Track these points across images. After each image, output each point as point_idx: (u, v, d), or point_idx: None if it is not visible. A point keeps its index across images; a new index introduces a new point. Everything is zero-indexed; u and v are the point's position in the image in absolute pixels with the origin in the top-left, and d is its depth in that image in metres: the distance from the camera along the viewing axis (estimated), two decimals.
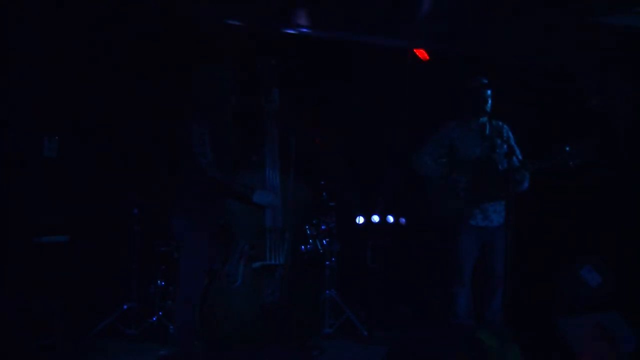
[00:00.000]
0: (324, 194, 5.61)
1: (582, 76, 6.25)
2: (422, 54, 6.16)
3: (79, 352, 4.72)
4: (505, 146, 4.47)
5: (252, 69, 4.20)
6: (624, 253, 5.60)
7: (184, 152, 3.99)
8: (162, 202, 4.73)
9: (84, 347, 4.81)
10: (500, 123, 4.65)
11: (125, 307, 5.10)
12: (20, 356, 4.22)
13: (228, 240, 4.08)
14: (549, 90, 6.26)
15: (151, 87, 5.55)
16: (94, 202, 5.40)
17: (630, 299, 5.14)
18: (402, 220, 6.74)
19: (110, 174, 5.52)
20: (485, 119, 4.58)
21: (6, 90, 4.92)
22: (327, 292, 5.41)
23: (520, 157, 4.41)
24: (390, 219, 6.71)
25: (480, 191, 4.45)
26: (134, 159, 5.56)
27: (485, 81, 4.52)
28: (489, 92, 4.52)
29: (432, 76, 6.34)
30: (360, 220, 6.67)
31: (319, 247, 5.33)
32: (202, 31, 5.38)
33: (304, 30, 5.48)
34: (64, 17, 5.09)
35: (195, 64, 4.18)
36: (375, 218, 6.68)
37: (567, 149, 4.18)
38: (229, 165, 4.11)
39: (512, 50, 5.95)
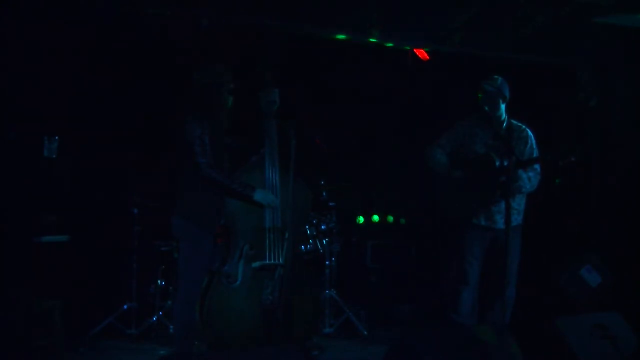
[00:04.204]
0: (324, 193, 5.61)
1: (582, 76, 6.25)
2: (422, 54, 6.16)
3: (79, 352, 4.72)
4: (522, 148, 4.45)
5: (251, 68, 4.20)
6: (624, 253, 5.60)
7: (184, 151, 3.98)
8: (162, 202, 4.73)
9: (84, 347, 4.82)
10: (523, 126, 4.57)
11: (125, 307, 5.10)
12: (20, 356, 4.22)
13: (228, 240, 4.08)
14: (548, 90, 6.26)
15: (151, 87, 5.55)
16: (94, 202, 5.40)
17: (630, 299, 5.14)
18: (402, 220, 6.73)
19: (110, 173, 5.52)
20: (502, 118, 4.52)
21: (6, 90, 4.92)
22: (327, 292, 5.41)
23: (535, 160, 4.39)
24: (390, 219, 6.71)
25: (476, 189, 4.44)
26: (134, 158, 5.56)
27: (499, 82, 4.47)
28: (502, 91, 4.45)
29: (433, 76, 6.34)
30: (360, 220, 6.67)
31: (319, 247, 5.33)
32: (202, 31, 5.38)
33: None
34: (63, 17, 5.09)
35: (195, 63, 4.17)
36: (375, 218, 6.68)
37: (561, 147, 4.17)
38: (228, 165, 4.11)
39: (512, 50, 5.95)
